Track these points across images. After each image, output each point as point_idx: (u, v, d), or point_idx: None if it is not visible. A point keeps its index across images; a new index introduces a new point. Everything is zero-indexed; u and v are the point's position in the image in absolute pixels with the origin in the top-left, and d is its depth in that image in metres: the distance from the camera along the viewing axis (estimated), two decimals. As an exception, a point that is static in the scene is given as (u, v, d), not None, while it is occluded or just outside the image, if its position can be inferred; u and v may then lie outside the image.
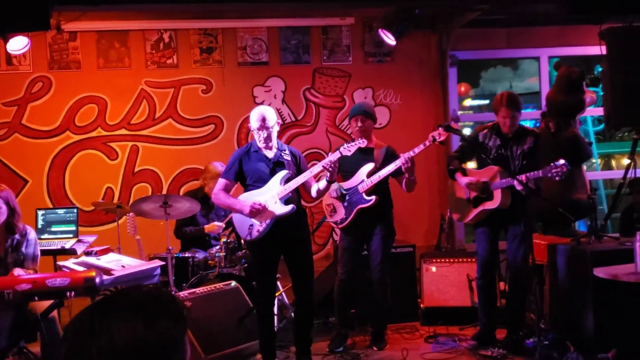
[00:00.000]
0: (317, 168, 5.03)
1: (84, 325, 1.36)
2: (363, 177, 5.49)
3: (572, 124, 5.90)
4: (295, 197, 5.13)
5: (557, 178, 4.94)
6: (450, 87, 7.56)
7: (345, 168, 5.56)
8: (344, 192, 5.58)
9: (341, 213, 5.65)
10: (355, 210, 5.55)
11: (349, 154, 5.05)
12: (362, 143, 5.06)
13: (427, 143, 5.29)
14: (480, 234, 5.56)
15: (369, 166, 5.51)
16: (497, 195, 5.26)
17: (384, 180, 5.52)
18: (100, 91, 7.06)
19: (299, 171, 5.15)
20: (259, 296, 5.15)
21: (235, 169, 5.09)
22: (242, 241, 5.67)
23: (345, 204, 5.61)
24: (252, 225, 5.00)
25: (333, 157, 4.93)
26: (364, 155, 5.51)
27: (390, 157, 5.52)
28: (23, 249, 4.86)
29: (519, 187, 5.01)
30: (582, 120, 8.22)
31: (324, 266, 6.73)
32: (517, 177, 5.02)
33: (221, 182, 5.15)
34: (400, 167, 5.29)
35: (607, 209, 8.72)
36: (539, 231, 5.97)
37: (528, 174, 5.02)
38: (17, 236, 4.85)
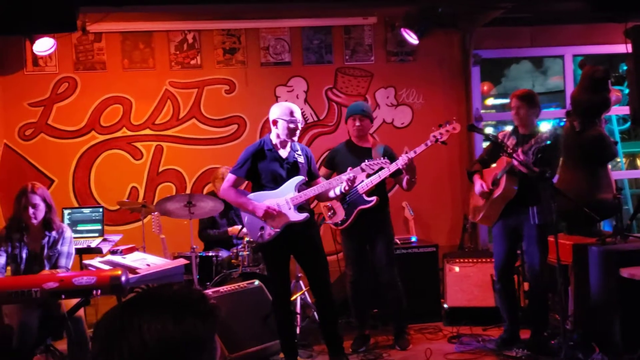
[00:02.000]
0: (336, 181, 4.99)
1: (114, 323, 1.38)
2: (362, 178, 5.41)
3: (597, 123, 5.84)
4: (307, 201, 5.11)
5: (545, 143, 4.91)
6: (474, 86, 7.53)
7: (342, 168, 5.42)
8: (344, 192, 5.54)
9: (341, 214, 5.61)
10: (356, 211, 5.51)
11: (371, 172, 5.03)
12: (385, 163, 5.00)
13: (429, 143, 5.22)
14: (496, 237, 5.55)
15: None
16: (502, 182, 5.26)
17: (382, 180, 5.46)
18: (125, 92, 7.12)
19: (309, 172, 5.12)
20: (275, 297, 5.12)
21: (248, 166, 4.96)
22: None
23: (345, 205, 5.57)
24: (263, 227, 4.93)
25: (355, 172, 4.89)
26: (361, 155, 5.43)
27: (389, 157, 5.42)
28: (59, 246, 4.96)
29: (515, 163, 4.99)
30: (607, 119, 8.14)
31: (342, 267, 6.73)
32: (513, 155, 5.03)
33: (231, 178, 5.03)
34: (399, 167, 5.24)
35: (632, 209, 8.63)
36: (564, 231, 5.93)
37: (522, 148, 5.01)
38: (54, 233, 4.96)
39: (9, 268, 4.93)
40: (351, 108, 5.78)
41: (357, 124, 5.63)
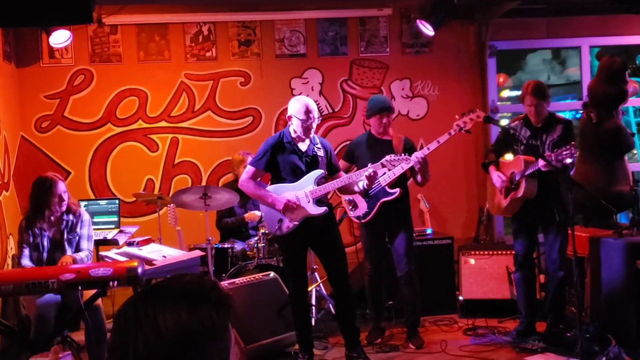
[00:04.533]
0: (355, 176, 4.94)
1: (128, 315, 1.38)
2: (385, 170, 5.21)
3: (614, 115, 5.80)
4: (326, 195, 5.07)
5: (567, 160, 4.81)
6: (489, 77, 7.49)
7: (364, 161, 5.35)
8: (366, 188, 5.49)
9: (363, 207, 5.53)
10: (378, 204, 5.45)
11: (391, 168, 4.96)
12: (405, 160, 4.91)
13: (452, 132, 5.14)
14: (516, 227, 5.52)
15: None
16: (522, 184, 5.22)
17: (404, 171, 5.35)
18: (141, 84, 7.15)
19: (329, 165, 5.09)
20: (291, 288, 5.11)
21: (267, 158, 4.93)
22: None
23: (367, 198, 5.50)
24: (282, 220, 4.92)
25: (375, 168, 4.83)
26: (382, 147, 5.39)
27: (410, 149, 5.40)
28: (78, 230, 5.00)
29: (544, 168, 4.95)
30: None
31: (359, 259, 6.73)
32: (528, 169, 5.04)
33: (250, 170, 5.01)
34: (413, 164, 5.15)
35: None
36: (580, 223, 5.90)
37: (546, 157, 4.95)
38: (71, 217, 4.99)
39: None
40: (378, 105, 5.56)
41: (385, 121, 5.50)
